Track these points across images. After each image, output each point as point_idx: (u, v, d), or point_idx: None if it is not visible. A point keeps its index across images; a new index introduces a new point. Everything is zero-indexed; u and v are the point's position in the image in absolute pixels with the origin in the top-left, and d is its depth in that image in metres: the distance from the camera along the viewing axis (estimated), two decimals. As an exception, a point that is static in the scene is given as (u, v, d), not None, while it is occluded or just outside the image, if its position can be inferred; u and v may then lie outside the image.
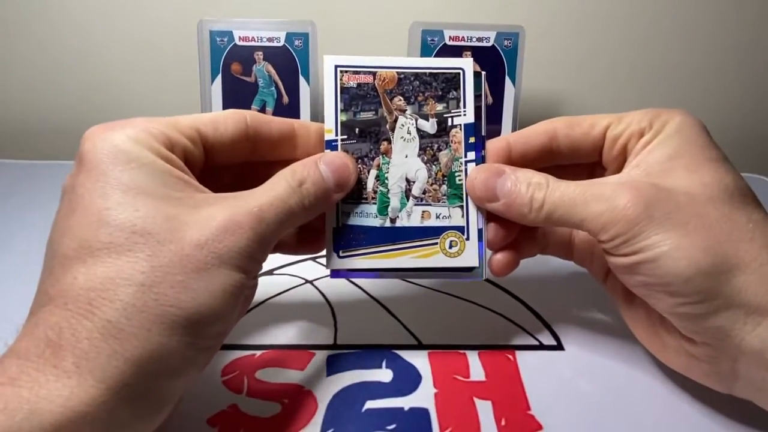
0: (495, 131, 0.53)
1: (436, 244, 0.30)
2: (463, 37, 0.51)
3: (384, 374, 0.31)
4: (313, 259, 0.42)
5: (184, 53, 0.57)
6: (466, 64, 0.31)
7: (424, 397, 0.30)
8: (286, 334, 0.34)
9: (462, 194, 0.30)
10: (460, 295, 0.38)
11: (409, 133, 0.30)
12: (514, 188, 0.28)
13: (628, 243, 0.25)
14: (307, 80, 0.51)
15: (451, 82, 0.30)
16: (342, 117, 0.30)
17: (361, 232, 0.30)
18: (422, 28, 0.50)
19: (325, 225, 0.30)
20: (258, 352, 0.32)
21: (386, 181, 0.30)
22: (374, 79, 0.30)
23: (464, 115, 0.30)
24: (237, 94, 0.51)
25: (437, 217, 0.30)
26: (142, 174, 0.23)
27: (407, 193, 0.30)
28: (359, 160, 0.30)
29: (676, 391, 0.30)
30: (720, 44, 0.63)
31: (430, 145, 0.30)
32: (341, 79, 0.30)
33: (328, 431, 0.27)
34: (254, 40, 0.50)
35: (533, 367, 0.32)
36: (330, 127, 0.30)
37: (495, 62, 0.52)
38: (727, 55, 0.64)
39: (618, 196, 0.25)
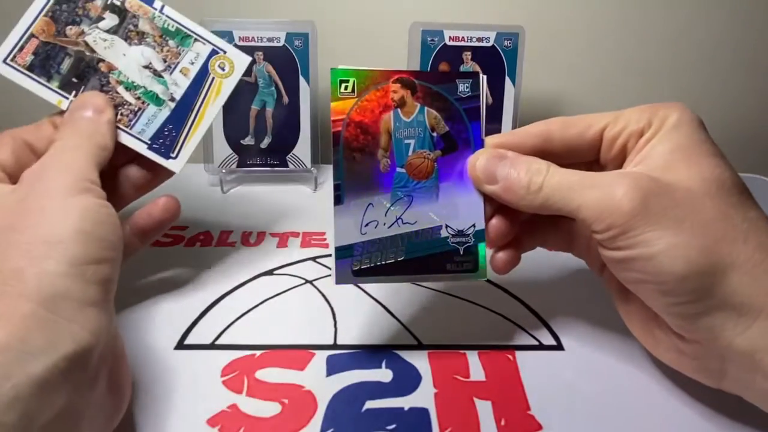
0: (495, 131, 0.53)
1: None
2: (463, 37, 0.51)
3: (384, 374, 0.31)
4: (313, 259, 0.42)
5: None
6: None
7: (424, 397, 0.30)
8: (286, 334, 0.34)
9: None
10: (460, 295, 0.38)
11: (104, 40, 0.32)
12: (512, 172, 0.28)
13: (623, 236, 0.25)
14: (307, 80, 0.51)
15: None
16: (54, 83, 0.32)
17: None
18: (422, 28, 0.50)
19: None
20: (258, 352, 0.32)
21: (133, 83, 0.32)
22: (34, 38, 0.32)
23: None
24: (237, 94, 0.51)
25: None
26: None
27: (156, 72, 0.32)
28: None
29: (676, 391, 0.30)
30: (721, 44, 0.63)
31: (125, 27, 0.32)
32: (19, 62, 0.32)
33: (327, 431, 0.27)
34: (254, 40, 0.50)
35: (533, 367, 0.32)
36: (57, 99, 0.32)
37: (495, 62, 0.52)
38: (728, 55, 0.64)
39: (616, 186, 0.25)
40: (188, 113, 0.33)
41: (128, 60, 0.32)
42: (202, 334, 0.34)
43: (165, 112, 0.32)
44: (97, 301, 0.24)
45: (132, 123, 0.32)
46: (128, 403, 0.27)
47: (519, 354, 0.33)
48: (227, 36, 0.49)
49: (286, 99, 0.52)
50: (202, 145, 0.52)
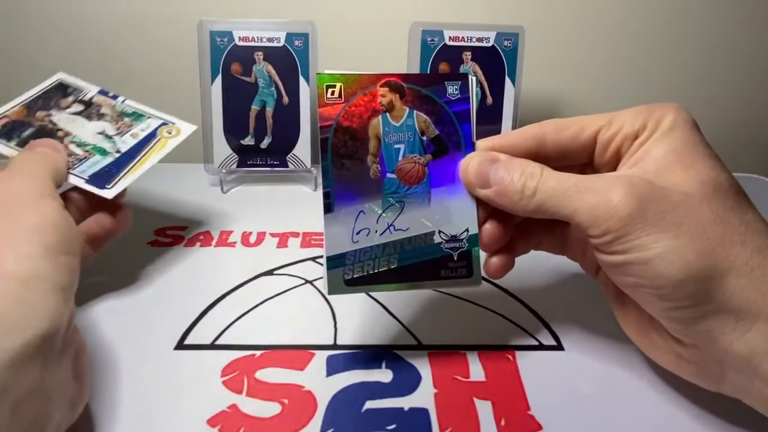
0: (495, 131, 0.53)
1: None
2: (463, 37, 0.51)
3: (384, 374, 0.31)
4: (313, 259, 0.42)
5: (184, 53, 0.57)
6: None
7: (424, 397, 0.30)
8: (286, 334, 0.34)
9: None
10: (460, 296, 0.38)
11: (67, 119, 0.38)
12: (506, 175, 0.27)
13: (619, 241, 0.25)
14: (307, 80, 0.51)
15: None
16: (13, 143, 0.36)
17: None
18: (422, 28, 0.50)
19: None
20: (258, 352, 0.32)
21: (85, 142, 0.37)
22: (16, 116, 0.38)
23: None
24: (237, 95, 0.51)
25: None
26: None
27: (108, 136, 0.38)
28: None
29: (676, 392, 0.30)
30: (721, 44, 0.63)
31: (89, 112, 0.39)
32: None
33: (327, 431, 0.27)
34: (254, 41, 0.50)
35: (533, 368, 0.32)
36: (11, 153, 0.36)
37: (495, 62, 0.52)
38: (728, 55, 0.64)
39: (612, 190, 0.25)
40: (131, 160, 0.37)
41: (85, 129, 0.38)
42: (202, 334, 0.34)
43: (109, 159, 0.36)
44: (66, 287, 0.25)
45: (76, 167, 0.36)
46: (89, 394, 0.27)
47: (519, 354, 0.33)
48: (227, 36, 0.49)
49: (286, 99, 0.52)
50: (202, 145, 0.52)
